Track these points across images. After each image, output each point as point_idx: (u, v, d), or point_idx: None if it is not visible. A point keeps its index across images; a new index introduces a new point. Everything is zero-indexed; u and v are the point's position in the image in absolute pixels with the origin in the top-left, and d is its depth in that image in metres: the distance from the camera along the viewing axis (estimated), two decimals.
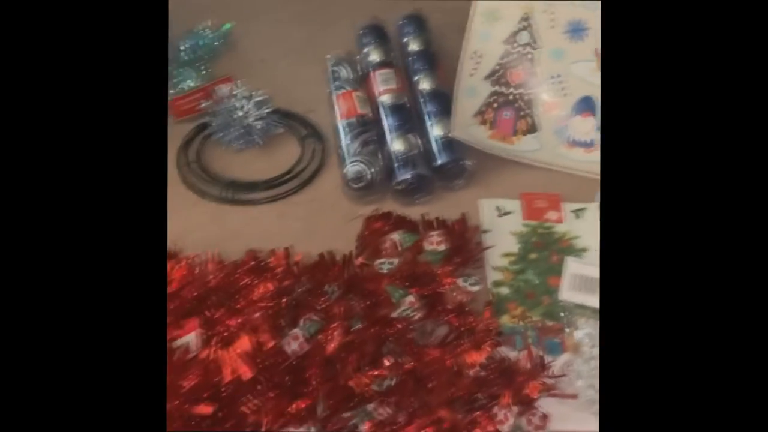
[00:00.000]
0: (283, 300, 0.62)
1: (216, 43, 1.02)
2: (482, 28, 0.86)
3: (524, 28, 0.87)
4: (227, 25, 1.04)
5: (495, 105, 0.87)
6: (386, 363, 0.60)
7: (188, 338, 0.59)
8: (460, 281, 0.68)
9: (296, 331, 0.62)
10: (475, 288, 0.68)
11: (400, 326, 0.63)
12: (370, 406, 0.57)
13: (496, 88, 0.87)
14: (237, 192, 0.84)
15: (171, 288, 0.60)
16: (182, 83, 0.95)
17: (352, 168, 0.82)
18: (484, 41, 0.87)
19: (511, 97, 0.87)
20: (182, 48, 1.00)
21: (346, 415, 0.56)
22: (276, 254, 0.69)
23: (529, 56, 0.87)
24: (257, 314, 0.58)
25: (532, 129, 0.87)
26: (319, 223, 0.81)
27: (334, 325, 0.60)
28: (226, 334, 0.58)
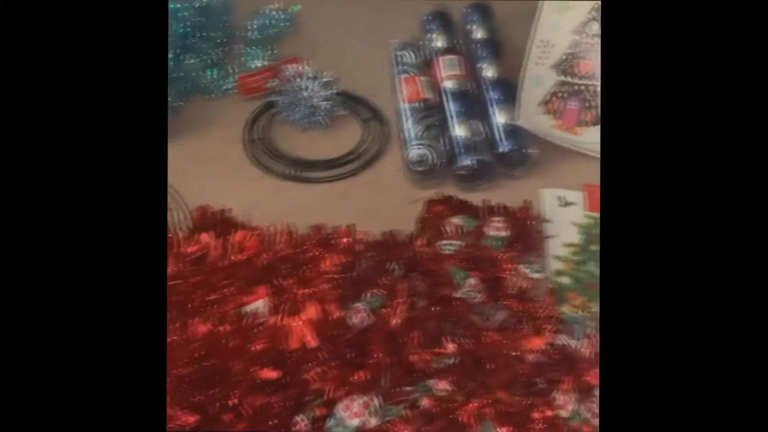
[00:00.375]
0: (349, 274, 0.63)
1: (283, 24, 1.04)
2: (551, 17, 0.85)
3: (595, 19, 0.86)
4: (295, 7, 1.06)
5: (561, 95, 0.86)
6: (446, 342, 0.61)
7: (257, 304, 0.61)
8: (522, 267, 0.68)
9: (359, 304, 0.63)
10: (537, 275, 0.68)
11: (461, 307, 0.63)
12: (431, 382, 0.58)
13: (563, 77, 0.86)
14: (301, 170, 0.86)
15: (243, 256, 0.62)
16: (250, 62, 0.97)
17: (414, 151, 0.83)
18: (553, 30, 0.86)
19: (577, 88, 0.86)
20: (250, 27, 1.02)
21: (408, 388, 0.58)
22: (339, 231, 0.71)
23: (599, 47, 0.86)
24: (325, 285, 0.60)
25: (597, 121, 0.86)
26: (379, 204, 0.82)
27: (399, 301, 0.61)
28: (293, 302, 0.60)
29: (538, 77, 0.86)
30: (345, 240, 0.67)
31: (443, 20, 1.02)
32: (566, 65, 0.87)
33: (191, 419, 0.53)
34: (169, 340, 0.54)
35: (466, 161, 0.82)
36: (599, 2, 0.85)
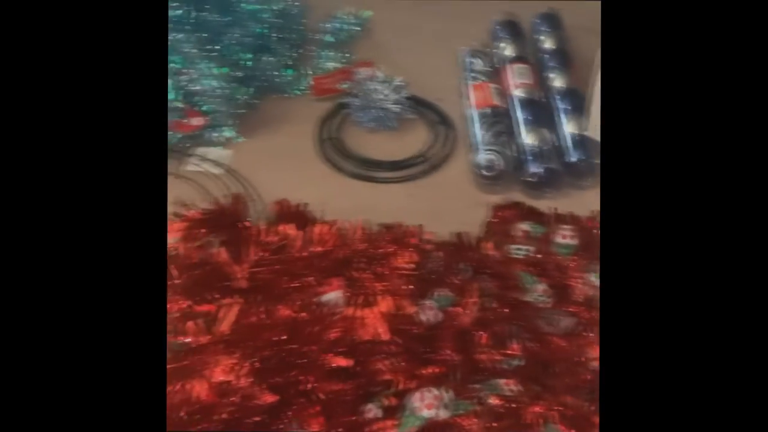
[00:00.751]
0: (423, 271, 0.65)
1: (354, 29, 1.08)
2: None
3: None
4: (366, 13, 1.09)
5: None
6: (514, 344, 0.62)
7: (333, 295, 0.63)
8: (589, 276, 0.69)
9: (429, 301, 0.65)
10: None
11: (529, 311, 0.64)
12: (498, 381, 0.60)
13: None
14: (369, 169, 0.89)
15: (323, 248, 0.65)
16: (324, 64, 1.00)
17: (484, 157, 0.85)
18: None
19: None
20: (324, 31, 1.06)
21: (476, 386, 0.59)
22: (409, 230, 0.73)
23: None
24: (398, 280, 0.62)
25: None
26: (445, 206, 0.84)
27: (470, 300, 0.62)
28: (369, 295, 0.62)
29: None
30: (416, 239, 0.69)
31: (513, 29, 1.04)
32: None
33: (270, 399, 0.56)
34: (254, 320, 0.57)
35: (536, 169, 0.83)
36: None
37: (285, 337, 0.57)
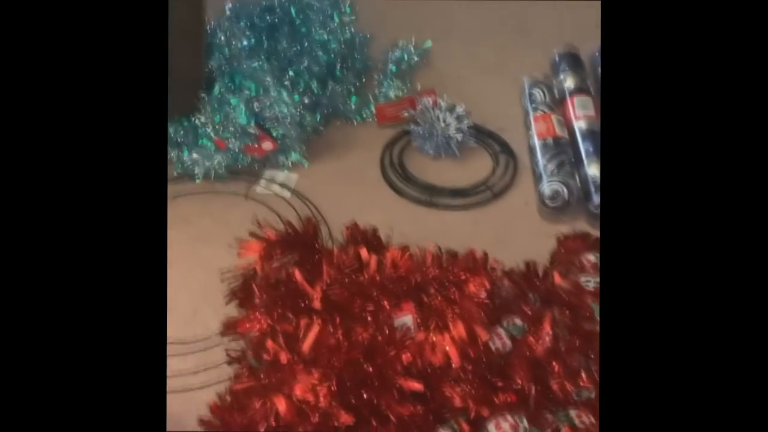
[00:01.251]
0: (494, 299, 0.66)
1: (416, 58, 1.10)
2: None
3: None
4: (428, 42, 1.12)
5: None
6: (585, 376, 0.62)
7: (405, 319, 0.65)
8: None
9: (499, 329, 0.66)
10: None
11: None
12: (573, 412, 0.59)
13: None
14: (434, 195, 0.90)
15: (398, 273, 0.66)
16: (388, 92, 1.03)
17: (549, 187, 0.85)
18: None
19: None
20: (388, 60, 1.09)
21: (549, 416, 0.59)
22: (477, 258, 0.73)
23: None
24: (474, 307, 0.63)
25: None
26: (509, 235, 0.85)
27: (545, 330, 0.62)
28: (441, 322, 0.63)
29: None
30: (486, 266, 0.70)
31: (573, 61, 1.05)
32: None
33: (347, 419, 0.57)
34: (333, 341, 0.59)
35: (600, 200, 0.83)
36: None
37: (361, 359, 0.58)
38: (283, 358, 0.58)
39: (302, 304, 0.65)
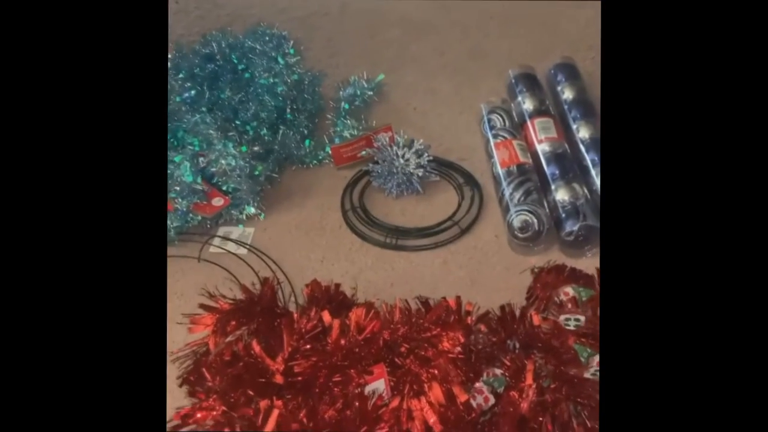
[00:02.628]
0: (472, 353, 0.61)
1: (370, 93, 1.07)
2: None
3: None
4: (380, 76, 1.09)
5: None
6: (575, 426, 0.57)
7: (377, 385, 0.59)
8: None
9: (480, 384, 0.61)
10: None
11: (589, 388, 0.59)
12: None
13: None
14: (400, 237, 0.85)
15: (365, 334, 0.61)
16: (344, 131, 0.99)
17: (518, 218, 0.81)
18: None
19: None
20: (340, 98, 1.05)
21: None
22: (448, 306, 0.68)
23: None
24: (451, 365, 0.58)
25: None
26: (482, 272, 0.80)
27: (528, 384, 0.57)
28: (416, 385, 0.58)
29: None
30: (458, 315, 0.65)
31: (530, 82, 1.02)
32: None
33: None
34: (295, 426, 0.53)
35: (572, 227, 0.79)
36: None
37: None
38: None
39: (263, 381, 0.59)
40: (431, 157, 0.91)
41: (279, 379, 0.58)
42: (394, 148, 0.91)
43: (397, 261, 0.83)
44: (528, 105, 0.98)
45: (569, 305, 0.68)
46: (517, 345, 0.65)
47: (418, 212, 0.90)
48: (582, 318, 0.65)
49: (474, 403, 0.59)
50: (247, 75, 0.97)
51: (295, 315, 0.64)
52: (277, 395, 0.57)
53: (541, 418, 0.56)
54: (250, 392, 0.58)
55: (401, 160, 0.90)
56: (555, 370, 0.59)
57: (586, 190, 0.85)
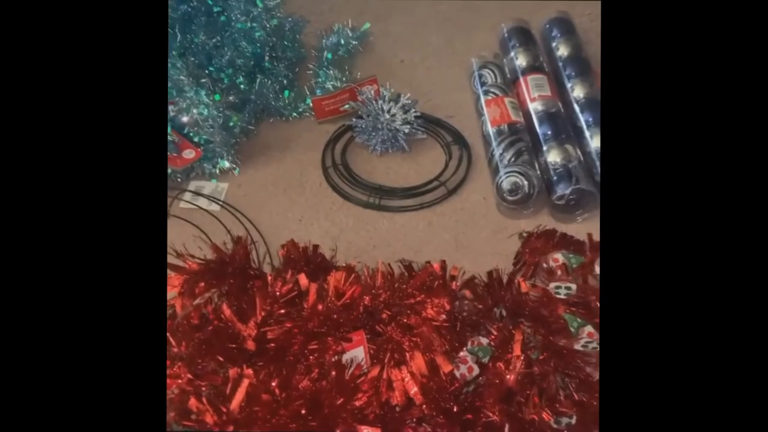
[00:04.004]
0: (457, 321, 0.57)
1: (355, 43, 1.00)
2: None
3: None
4: (366, 25, 1.02)
5: None
6: (563, 399, 0.55)
7: (356, 352, 0.56)
8: None
9: (464, 353, 0.58)
10: None
11: (578, 360, 0.57)
12: None
13: None
14: (383, 197, 0.81)
15: (344, 300, 0.57)
16: (326, 83, 0.93)
17: (507, 179, 0.77)
18: None
19: None
20: (323, 47, 0.98)
21: None
22: (433, 271, 0.65)
23: None
24: (434, 334, 0.54)
25: None
26: (468, 236, 0.77)
27: (516, 355, 0.54)
28: (397, 354, 0.54)
29: None
30: (442, 281, 0.62)
31: (524, 36, 0.96)
32: None
33: None
34: (267, 396, 0.49)
35: (564, 190, 0.76)
36: None
37: (303, 412, 0.49)
38: (210, 420, 0.48)
39: (233, 347, 0.55)
40: (418, 113, 0.86)
41: (250, 345, 0.55)
42: (380, 102, 0.85)
43: (380, 222, 0.79)
44: (521, 61, 0.92)
45: (558, 272, 0.65)
46: (504, 313, 0.62)
47: (403, 171, 0.85)
48: (573, 286, 0.62)
49: (457, 373, 0.56)
50: (222, 18, 0.89)
51: (270, 277, 0.59)
52: (248, 363, 0.53)
53: (528, 391, 0.53)
54: (219, 359, 0.55)
55: (387, 116, 0.85)
56: (543, 340, 0.56)
57: (579, 152, 0.81)
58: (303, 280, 0.58)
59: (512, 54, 0.94)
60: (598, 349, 0.58)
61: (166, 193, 0.69)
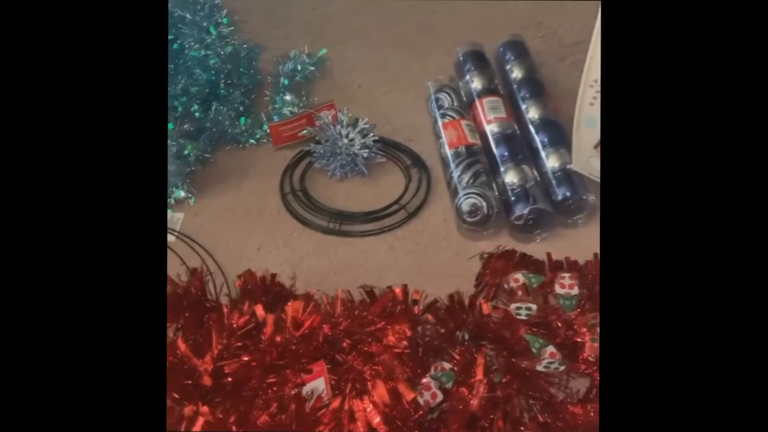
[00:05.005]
0: (419, 346, 0.56)
1: (312, 69, 1.00)
2: None
3: None
4: (323, 50, 1.02)
5: None
6: (527, 421, 0.54)
7: (316, 383, 0.54)
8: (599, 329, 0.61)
9: (427, 380, 0.57)
10: None
11: (541, 381, 0.57)
12: None
13: None
14: (343, 223, 0.80)
15: (303, 330, 0.55)
16: (283, 109, 0.92)
17: (466, 201, 0.77)
18: None
19: None
20: (280, 73, 0.98)
21: None
22: (394, 296, 0.64)
23: None
24: (396, 362, 0.53)
25: None
26: (430, 258, 0.76)
27: (479, 379, 0.54)
28: (358, 384, 0.53)
29: (592, 118, 0.81)
30: (404, 306, 0.61)
31: (479, 60, 0.98)
32: None
33: None
34: None
35: (522, 210, 0.76)
36: None
37: None
38: None
39: (189, 383, 0.53)
40: (377, 137, 0.86)
41: (207, 380, 0.53)
42: (338, 127, 0.85)
43: (340, 247, 0.78)
44: (476, 84, 0.94)
45: (519, 293, 0.65)
46: (467, 336, 0.61)
47: (363, 195, 0.85)
48: (533, 306, 0.62)
49: (421, 400, 0.56)
50: (175, 46, 0.88)
51: (226, 309, 0.58)
52: (204, 399, 0.51)
53: (492, 416, 0.53)
54: (175, 395, 0.52)
55: (345, 140, 0.85)
56: (506, 362, 0.56)
57: (536, 173, 0.82)
58: (260, 311, 0.57)
59: (468, 77, 0.96)
60: (561, 369, 0.58)
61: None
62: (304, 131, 0.89)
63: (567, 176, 0.81)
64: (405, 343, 0.55)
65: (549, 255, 0.71)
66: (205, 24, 0.89)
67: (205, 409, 0.48)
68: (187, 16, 0.89)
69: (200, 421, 0.47)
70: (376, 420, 0.52)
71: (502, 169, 0.82)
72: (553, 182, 0.81)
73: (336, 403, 0.52)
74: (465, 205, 0.77)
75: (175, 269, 0.71)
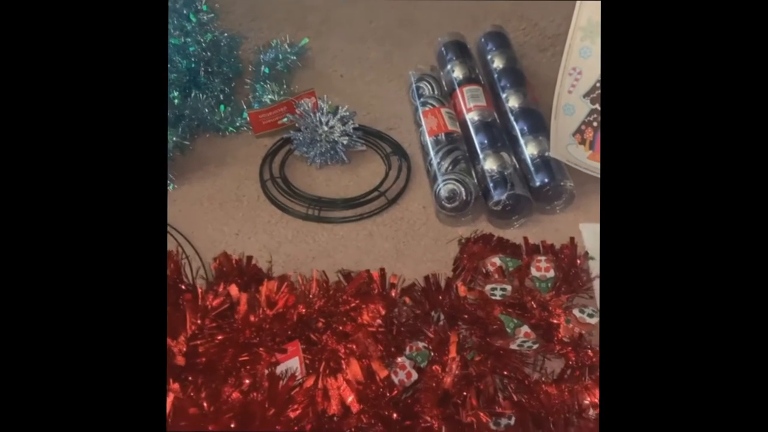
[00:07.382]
0: (393, 326, 0.57)
1: (293, 58, 1.00)
2: (583, 43, 0.81)
3: None
4: (304, 40, 1.02)
5: (594, 124, 0.82)
6: (501, 400, 0.55)
7: (291, 363, 0.54)
8: (576, 312, 0.62)
9: (402, 359, 0.57)
10: (594, 320, 0.62)
11: (515, 360, 0.57)
12: None
13: (596, 106, 0.82)
14: (323, 209, 0.80)
15: (277, 309, 0.55)
16: (264, 97, 0.92)
17: (445, 187, 0.78)
18: (584, 57, 0.82)
19: None
20: (261, 62, 0.98)
21: None
22: (371, 275, 0.64)
23: None
24: (370, 340, 0.53)
25: None
26: (409, 244, 0.77)
27: (452, 356, 0.54)
28: (332, 362, 0.53)
29: (570, 106, 0.82)
30: (380, 286, 0.61)
31: (460, 49, 0.99)
32: (598, 93, 0.82)
33: None
34: (194, 410, 0.47)
35: (500, 196, 0.77)
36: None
37: (233, 425, 0.47)
38: None
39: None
40: (357, 125, 0.86)
41: (180, 360, 0.52)
42: (318, 114, 0.85)
43: (319, 233, 0.78)
44: (457, 73, 0.94)
45: (496, 275, 0.65)
46: (442, 317, 0.61)
47: (343, 183, 0.85)
48: (508, 287, 0.63)
49: (396, 380, 0.56)
50: None
51: (200, 290, 0.57)
52: (176, 378, 0.50)
53: (465, 393, 0.53)
54: None
55: (325, 128, 0.85)
56: (480, 341, 0.56)
57: (514, 160, 0.82)
58: (234, 290, 0.56)
59: (449, 67, 0.96)
60: (534, 348, 0.59)
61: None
62: (284, 119, 0.89)
63: (545, 163, 0.81)
64: (379, 321, 0.55)
65: (526, 239, 0.71)
66: (185, 11, 0.89)
67: (176, 386, 0.48)
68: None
69: (170, 396, 0.47)
70: (350, 398, 0.52)
71: (481, 156, 0.83)
72: (532, 169, 0.81)
73: (310, 382, 0.52)
74: (443, 191, 0.78)
75: None
